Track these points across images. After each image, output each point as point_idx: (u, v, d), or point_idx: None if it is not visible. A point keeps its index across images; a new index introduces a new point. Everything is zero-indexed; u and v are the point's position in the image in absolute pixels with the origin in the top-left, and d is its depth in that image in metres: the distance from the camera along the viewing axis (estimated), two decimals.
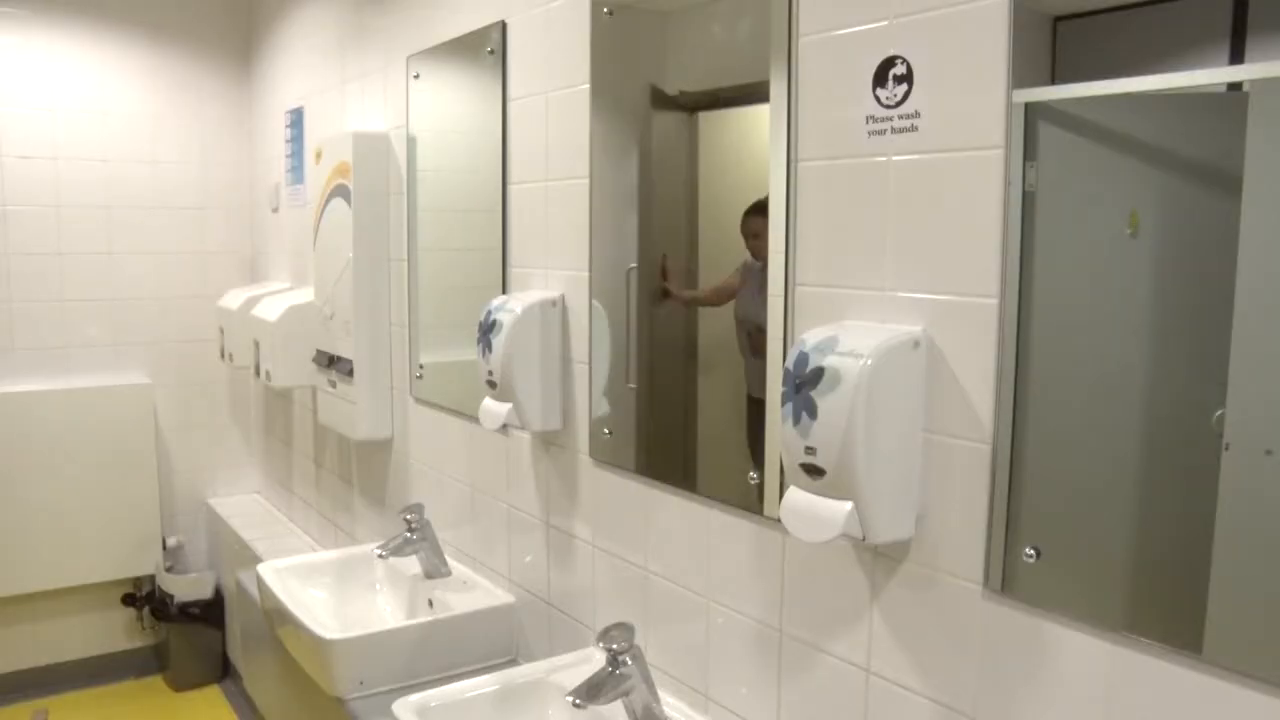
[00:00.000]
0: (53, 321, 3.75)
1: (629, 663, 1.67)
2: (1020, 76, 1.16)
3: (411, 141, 2.61)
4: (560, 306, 2.02)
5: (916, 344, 1.27)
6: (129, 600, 3.90)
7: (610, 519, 1.94)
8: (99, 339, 3.84)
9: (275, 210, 3.76)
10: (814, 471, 1.27)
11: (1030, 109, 1.16)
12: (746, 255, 1.64)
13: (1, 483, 3.61)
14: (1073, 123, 1.15)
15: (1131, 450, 1.12)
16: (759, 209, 1.61)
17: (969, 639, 1.27)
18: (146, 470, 3.87)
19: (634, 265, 1.84)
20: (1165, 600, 1.10)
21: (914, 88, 1.28)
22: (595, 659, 1.85)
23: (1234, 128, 0.99)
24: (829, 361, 1.25)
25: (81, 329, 3.81)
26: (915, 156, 1.29)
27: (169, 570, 3.94)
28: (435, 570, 2.43)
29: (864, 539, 1.27)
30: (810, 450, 1.26)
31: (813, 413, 1.25)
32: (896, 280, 1.32)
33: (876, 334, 1.27)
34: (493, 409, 2.04)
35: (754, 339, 1.68)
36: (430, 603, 2.39)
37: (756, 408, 1.66)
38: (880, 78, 1.32)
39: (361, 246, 2.75)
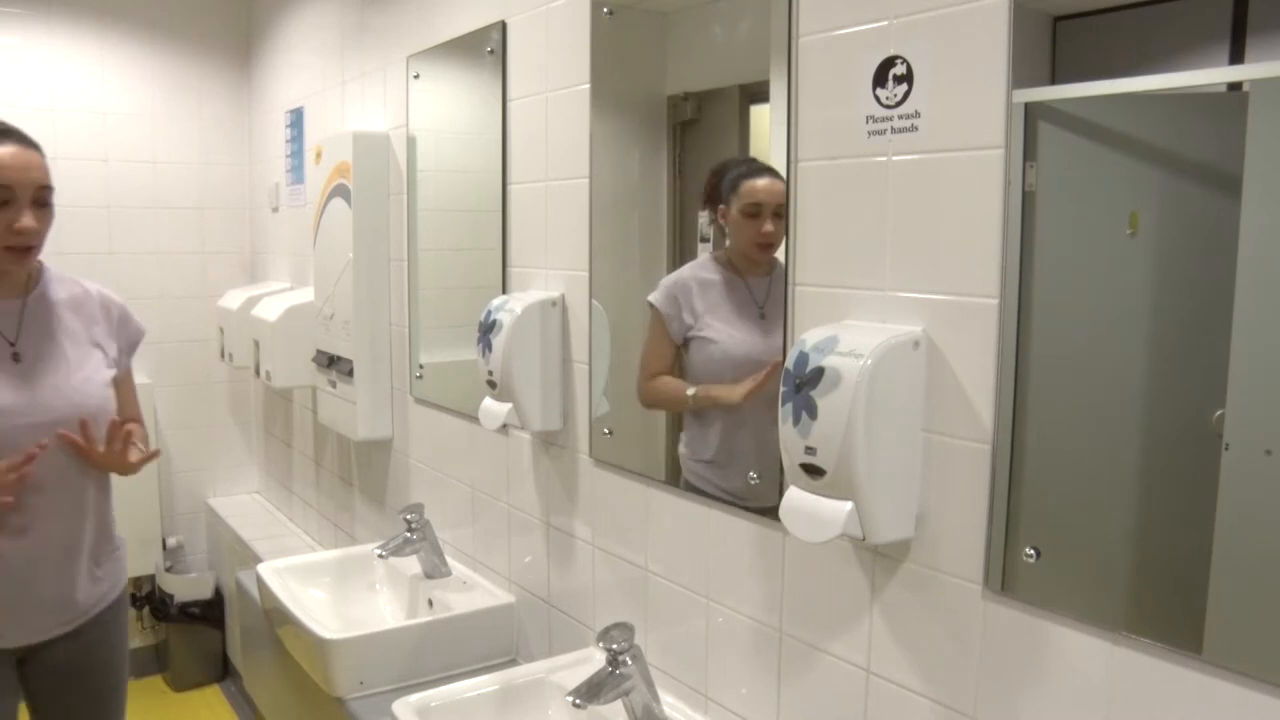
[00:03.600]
0: None
1: (629, 663, 1.67)
2: (1020, 76, 1.16)
3: (411, 141, 2.61)
4: (560, 306, 2.02)
5: (916, 344, 1.27)
6: (129, 600, 3.90)
7: (610, 519, 1.94)
8: None
9: (275, 210, 3.76)
10: (814, 471, 1.27)
11: (1030, 109, 1.16)
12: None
13: None
14: (1073, 123, 1.15)
15: (1131, 450, 1.12)
16: (765, 170, 1.35)
17: (969, 639, 1.27)
18: (146, 470, 3.85)
19: None
20: (1165, 600, 1.10)
21: (914, 88, 1.28)
22: (595, 659, 1.85)
23: (1234, 128, 0.99)
24: (829, 361, 1.25)
25: None
26: (915, 156, 1.29)
27: (169, 570, 3.93)
28: (435, 570, 2.43)
29: (864, 539, 1.27)
30: (810, 450, 1.26)
31: (813, 413, 1.25)
32: (896, 280, 1.32)
33: (876, 334, 1.27)
34: (493, 409, 2.04)
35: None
36: (430, 603, 2.39)
37: None
38: (880, 78, 1.32)
39: (361, 246, 2.75)
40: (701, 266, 1.51)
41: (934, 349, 1.28)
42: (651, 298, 1.63)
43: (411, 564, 2.46)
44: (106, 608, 1.97)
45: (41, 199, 1.76)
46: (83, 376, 1.88)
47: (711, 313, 1.47)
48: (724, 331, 1.45)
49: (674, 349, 1.55)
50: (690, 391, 1.49)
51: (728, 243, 1.53)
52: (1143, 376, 1.11)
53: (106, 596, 1.97)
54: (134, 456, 1.93)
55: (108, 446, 1.86)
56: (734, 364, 1.49)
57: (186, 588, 3.84)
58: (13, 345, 1.80)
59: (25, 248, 1.75)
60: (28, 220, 1.73)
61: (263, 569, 2.49)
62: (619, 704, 1.69)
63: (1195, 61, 1.03)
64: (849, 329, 1.31)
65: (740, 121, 1.54)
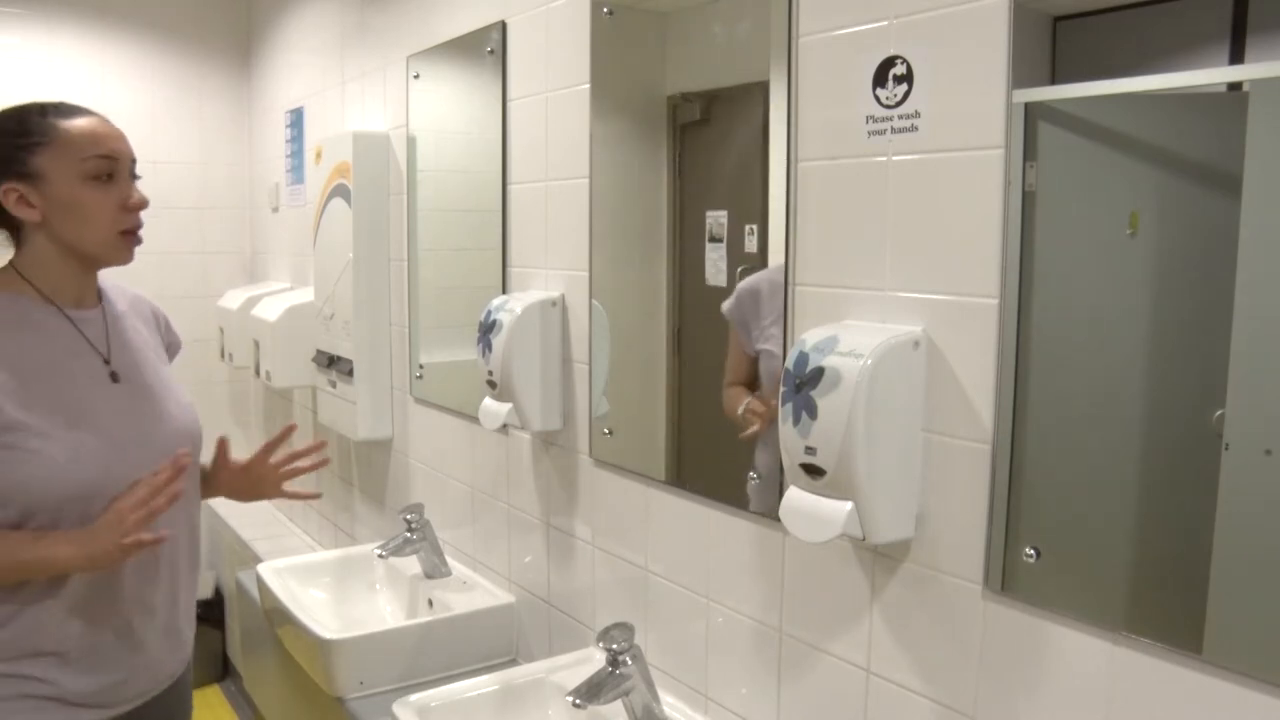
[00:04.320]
0: None
1: (629, 663, 1.67)
2: (1020, 76, 1.16)
3: (411, 141, 2.61)
4: (560, 306, 2.02)
5: (916, 344, 1.27)
6: None
7: (610, 519, 1.94)
8: None
9: (275, 210, 3.76)
10: (814, 471, 1.27)
11: (1030, 109, 1.16)
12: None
13: None
14: (1073, 123, 1.15)
15: (1131, 450, 1.12)
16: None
17: (969, 639, 1.27)
18: None
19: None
20: (1165, 600, 1.10)
21: (914, 88, 1.28)
22: (595, 659, 1.85)
23: (1234, 128, 0.99)
24: (829, 361, 1.25)
25: None
26: (915, 156, 1.29)
27: None
28: (435, 570, 2.43)
29: (864, 539, 1.27)
30: (810, 450, 1.26)
31: (813, 413, 1.25)
32: (896, 280, 1.32)
33: (876, 334, 1.27)
34: (493, 409, 2.04)
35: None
36: (430, 603, 2.39)
37: None
38: (880, 78, 1.32)
39: (361, 246, 2.75)
40: (781, 270, 1.42)
41: (934, 349, 1.28)
42: (724, 304, 1.56)
43: (411, 564, 2.46)
44: (189, 660, 1.71)
45: (134, 174, 1.55)
46: (175, 399, 1.62)
47: (778, 323, 1.41)
48: (781, 342, 1.39)
49: (748, 358, 1.49)
50: (740, 410, 1.45)
51: None
52: (1143, 376, 1.11)
53: (191, 646, 1.70)
54: (289, 489, 1.70)
55: (274, 471, 1.68)
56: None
57: None
58: (108, 362, 1.53)
59: (137, 229, 1.51)
60: (140, 193, 1.51)
61: (263, 569, 2.49)
62: (619, 704, 1.69)
63: (1195, 61, 1.03)
64: (849, 329, 1.31)
65: (764, 120, 1.49)
